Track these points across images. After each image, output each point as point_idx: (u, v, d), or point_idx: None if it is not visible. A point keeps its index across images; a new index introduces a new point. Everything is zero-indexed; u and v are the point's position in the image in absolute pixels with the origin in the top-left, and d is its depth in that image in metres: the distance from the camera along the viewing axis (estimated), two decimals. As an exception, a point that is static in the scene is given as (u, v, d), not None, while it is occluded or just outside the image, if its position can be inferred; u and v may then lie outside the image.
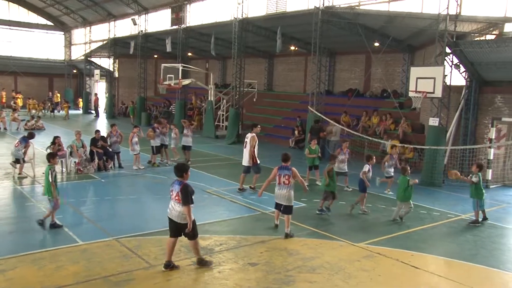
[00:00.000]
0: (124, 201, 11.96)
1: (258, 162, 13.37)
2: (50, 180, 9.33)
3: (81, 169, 15.11)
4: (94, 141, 15.73)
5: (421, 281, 7.52)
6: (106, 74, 39.93)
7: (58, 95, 41.67)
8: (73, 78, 47.89)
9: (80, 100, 43.40)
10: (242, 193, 12.92)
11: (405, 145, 17.24)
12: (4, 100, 40.24)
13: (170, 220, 7.54)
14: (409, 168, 11.07)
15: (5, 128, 27.01)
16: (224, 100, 27.39)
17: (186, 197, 7.29)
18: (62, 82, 47.31)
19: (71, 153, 15.42)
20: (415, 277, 7.65)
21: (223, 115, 27.33)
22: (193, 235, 7.42)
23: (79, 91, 47.86)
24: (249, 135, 13.41)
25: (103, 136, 16.41)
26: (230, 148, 22.51)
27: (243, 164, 13.43)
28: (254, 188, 13.23)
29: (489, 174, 15.26)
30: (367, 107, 22.27)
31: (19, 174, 14.35)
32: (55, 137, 15.64)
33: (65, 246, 8.37)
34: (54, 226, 9.38)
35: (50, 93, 42.79)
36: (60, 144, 15.40)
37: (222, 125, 27.24)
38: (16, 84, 45.84)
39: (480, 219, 10.87)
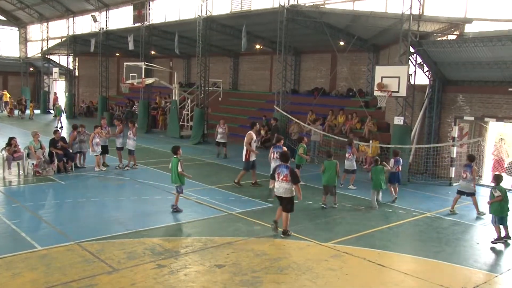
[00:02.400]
0: (85, 203, 11.69)
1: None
2: (180, 170, 10.93)
3: (40, 171, 14.67)
4: (53, 142, 15.32)
5: (387, 279, 7.67)
6: (66, 73, 39.04)
7: (7, 93, 40.18)
8: (30, 77, 46.32)
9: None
10: (239, 188, 13.60)
11: (366, 144, 17.58)
12: None
13: (278, 197, 9.52)
14: (379, 160, 12.61)
15: None
16: (189, 100, 27.17)
17: (296, 177, 9.36)
18: (18, 80, 45.73)
19: (28, 155, 14.94)
20: (382, 275, 7.81)
21: (188, 114, 27.12)
22: (290, 208, 9.44)
23: (36, 90, 46.39)
24: (247, 133, 14.27)
25: (63, 137, 16.01)
26: (195, 148, 22.35)
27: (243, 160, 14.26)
28: (256, 184, 13.95)
29: (452, 172, 15.75)
30: (333, 106, 22.56)
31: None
32: (11, 138, 15.14)
33: (22, 252, 8.09)
34: (176, 210, 10.94)
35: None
36: (16, 145, 14.92)
37: (187, 125, 27.02)
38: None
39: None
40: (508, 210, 9.63)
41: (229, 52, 30.94)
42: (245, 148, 14.06)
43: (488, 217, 11.90)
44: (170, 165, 11.30)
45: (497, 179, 9.66)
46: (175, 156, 11.14)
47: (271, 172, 10.35)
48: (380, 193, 12.49)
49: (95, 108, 37.09)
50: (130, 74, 26.14)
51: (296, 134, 19.58)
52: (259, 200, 12.42)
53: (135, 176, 15.01)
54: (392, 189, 13.09)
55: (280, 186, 9.41)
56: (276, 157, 12.12)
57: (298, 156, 14.21)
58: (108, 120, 30.74)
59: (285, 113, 19.73)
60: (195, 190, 13.20)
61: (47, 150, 15.25)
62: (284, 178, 9.33)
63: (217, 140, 19.38)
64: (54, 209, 11.17)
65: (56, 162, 15.07)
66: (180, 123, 26.69)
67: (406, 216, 11.51)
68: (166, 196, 12.55)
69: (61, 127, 27.73)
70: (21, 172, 14.84)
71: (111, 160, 16.94)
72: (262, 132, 23.14)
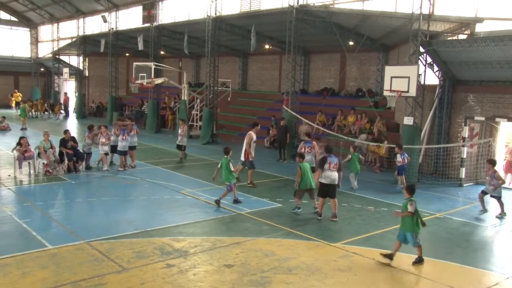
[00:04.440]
0: (95, 203, 11.76)
1: (250, 159, 14.25)
2: (232, 169, 11.65)
3: (50, 170, 14.76)
4: (63, 142, 15.39)
5: (397, 280, 7.62)
6: (76, 73, 39.19)
7: (19, 94, 40.45)
8: (41, 77, 46.62)
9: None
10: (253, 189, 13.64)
11: (380, 144, 17.48)
12: None
13: (326, 185, 10.53)
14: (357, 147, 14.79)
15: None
16: (198, 100, 27.21)
17: (341, 166, 10.85)
18: (28, 80, 46.02)
19: (39, 154, 15.06)
20: (391, 276, 7.76)
21: (197, 114, 27.17)
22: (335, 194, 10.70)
23: (47, 90, 46.71)
24: (247, 133, 14.46)
25: (73, 137, 16.09)
26: (204, 148, 22.37)
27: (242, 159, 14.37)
28: (252, 184, 13.99)
29: (463, 172, 15.61)
30: (343, 106, 22.47)
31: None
32: (21, 138, 15.28)
33: (32, 251, 8.15)
34: (236, 201, 11.74)
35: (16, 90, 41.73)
36: (26, 145, 14.99)
37: (196, 125, 27.07)
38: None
39: None
40: None
41: (238, 52, 30.94)
42: (244, 148, 14.18)
43: (500, 219, 11.80)
44: (219, 165, 11.80)
45: None
46: (225, 156, 11.78)
47: (317, 164, 11.06)
48: (356, 177, 14.19)
49: (104, 108, 37.31)
50: (140, 74, 26.27)
51: (305, 135, 19.54)
52: (268, 200, 12.40)
53: (144, 176, 15.06)
54: (400, 180, 14.36)
55: (332, 174, 10.58)
56: (308, 151, 13.43)
57: (354, 164, 14.24)
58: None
59: (294, 113, 19.69)
60: (204, 190, 13.21)
61: (57, 150, 15.35)
62: (335, 166, 10.61)
63: (177, 143, 18.23)
64: (64, 208, 11.24)
65: (66, 161, 15.16)
66: (189, 123, 26.75)
67: (416, 217, 11.41)
68: (175, 195, 12.58)
69: (25, 129, 27.08)
70: (32, 171, 14.94)
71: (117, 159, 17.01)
72: (271, 132, 23.14)
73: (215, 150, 21.41)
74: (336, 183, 10.72)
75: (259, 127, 14.78)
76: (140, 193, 12.88)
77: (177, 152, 18.60)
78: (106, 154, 16.21)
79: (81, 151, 15.81)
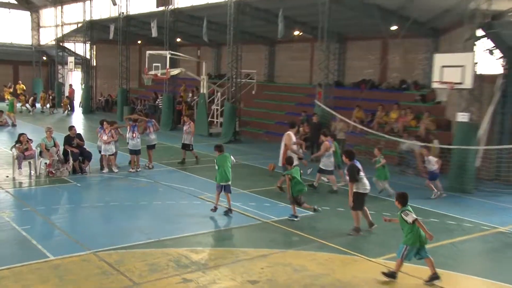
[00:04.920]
0: (103, 208, 11.83)
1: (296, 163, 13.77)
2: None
3: (53, 171, 14.94)
4: (68, 140, 15.56)
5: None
6: (82, 62, 39.74)
7: (22, 86, 40.99)
8: (43, 66, 47.28)
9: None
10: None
11: (428, 145, 17.10)
12: None
13: (364, 194, 10.45)
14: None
15: None
16: (219, 93, 27.25)
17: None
18: (29, 70, 46.44)
19: (40, 153, 15.25)
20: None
21: (217, 110, 27.20)
22: None
23: (50, 81, 47.32)
24: (285, 133, 14.02)
25: (79, 134, 16.28)
26: (226, 148, 22.22)
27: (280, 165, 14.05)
28: (281, 189, 13.69)
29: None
30: (384, 101, 22.18)
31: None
32: (20, 135, 15.46)
33: (33, 262, 8.19)
34: (228, 212, 11.48)
35: (10, 84, 42.28)
36: (26, 142, 15.16)
37: (217, 122, 27.11)
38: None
39: None
40: None
41: (264, 39, 30.86)
42: (282, 151, 13.75)
43: None
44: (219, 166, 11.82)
45: None
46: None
47: (352, 174, 10.41)
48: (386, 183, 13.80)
49: (114, 102, 37.73)
50: (154, 64, 26.42)
51: (341, 133, 19.33)
52: (297, 207, 12.26)
53: (158, 179, 15.12)
54: (433, 186, 13.97)
55: (367, 183, 10.50)
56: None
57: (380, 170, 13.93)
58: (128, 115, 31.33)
59: (328, 109, 19.50)
60: (225, 195, 13.13)
61: (61, 148, 15.52)
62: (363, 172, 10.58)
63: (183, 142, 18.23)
64: (68, 214, 11.33)
65: (71, 161, 15.30)
66: (209, 119, 26.81)
67: (473, 231, 11.06)
68: (193, 201, 12.57)
69: (14, 125, 27.43)
70: (32, 172, 15.14)
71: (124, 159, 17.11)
72: (301, 130, 22.97)
73: (238, 150, 21.39)
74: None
75: (296, 129, 14.58)
76: (154, 198, 12.91)
77: (198, 153, 18.65)
78: (111, 155, 16.07)
79: (87, 150, 15.96)
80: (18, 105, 34.64)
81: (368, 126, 20.18)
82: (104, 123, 16.23)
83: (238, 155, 19.96)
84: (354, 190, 10.24)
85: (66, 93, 40.46)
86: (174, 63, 27.37)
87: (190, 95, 32.29)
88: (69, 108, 37.09)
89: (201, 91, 26.91)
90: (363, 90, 23.08)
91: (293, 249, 9.31)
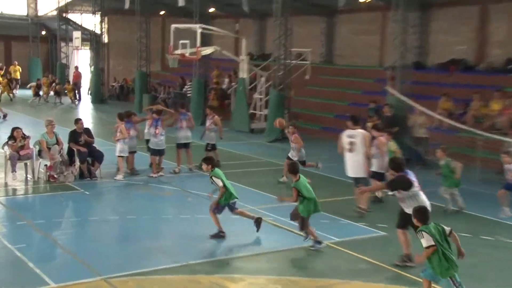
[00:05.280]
0: (117, 223, 11.96)
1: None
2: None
3: (55, 175, 15.19)
4: (74, 136, 15.77)
5: None
6: (91, 38, 40.27)
7: (18, 68, 41.82)
8: (42, 43, 47.79)
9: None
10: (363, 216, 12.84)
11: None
12: None
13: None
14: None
15: None
16: (263, 78, 27.25)
17: None
18: (25, 48, 47.09)
19: (39, 153, 15.52)
20: None
21: (261, 99, 27.20)
22: None
23: (50, 61, 48.00)
24: (357, 133, 13.24)
25: (87, 128, 16.50)
26: (271, 147, 22.40)
27: (351, 175, 13.38)
28: (363, 210, 13.08)
29: None
30: (481, 87, 21.75)
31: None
32: (14, 129, 15.61)
33: (29, 290, 8.34)
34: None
35: (1, 64, 43.15)
36: (21, 139, 15.34)
37: (260, 114, 27.11)
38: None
39: None
40: None
41: (321, 9, 30.69)
42: (363, 156, 13.09)
43: None
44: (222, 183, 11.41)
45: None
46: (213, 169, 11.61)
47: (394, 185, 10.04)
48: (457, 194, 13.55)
49: (130, 89, 38.23)
50: (180, 42, 26.60)
51: (422, 129, 18.98)
52: (366, 226, 12.14)
53: (187, 186, 15.20)
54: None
55: (424, 200, 9.79)
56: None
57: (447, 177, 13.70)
58: (149, 105, 31.76)
59: (404, 98, 19.21)
60: (271, 208, 13.09)
61: (65, 146, 15.76)
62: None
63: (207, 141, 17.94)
64: (74, 230, 11.50)
65: (77, 163, 15.51)
66: (250, 111, 26.81)
67: None
68: (230, 214, 12.52)
69: (5, 115, 28.01)
70: (29, 176, 15.39)
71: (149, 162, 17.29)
72: (369, 124, 22.66)
73: (287, 150, 21.25)
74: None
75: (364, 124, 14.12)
76: (181, 210, 13.03)
77: (236, 154, 18.73)
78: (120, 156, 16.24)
79: (98, 148, 16.17)
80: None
81: (460, 120, 19.74)
82: (133, 116, 16.70)
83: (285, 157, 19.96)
84: (406, 211, 9.68)
85: (71, 78, 40.95)
86: (206, 40, 27.51)
87: (227, 80, 32.45)
88: (75, 97, 37.87)
89: (240, 76, 26.97)
90: (453, 73, 22.64)
91: (359, 280, 9.20)
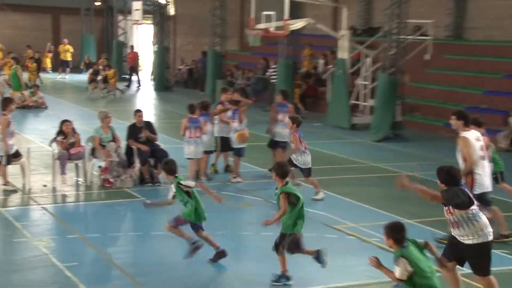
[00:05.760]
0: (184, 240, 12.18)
1: None
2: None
3: (111, 179, 15.61)
4: (133, 131, 16.19)
5: None
6: (154, 11, 41.16)
7: (68, 46, 42.92)
8: (96, 17, 49.06)
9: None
10: None
11: None
12: None
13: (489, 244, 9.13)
14: None
15: None
16: (369, 59, 27.11)
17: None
18: (75, 23, 48.64)
19: (93, 152, 15.99)
20: None
21: (365, 86, 27.08)
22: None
23: (106, 40, 49.43)
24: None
25: (149, 122, 16.93)
26: (378, 148, 22.38)
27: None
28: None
29: None
30: None
31: (4, 184, 15.16)
32: (63, 122, 16.07)
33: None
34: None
35: (49, 44, 44.49)
36: (72, 135, 15.90)
37: (364, 106, 27.00)
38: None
39: None
40: None
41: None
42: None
43: None
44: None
45: None
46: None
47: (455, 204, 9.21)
48: None
49: (200, 73, 38.70)
50: (263, 13, 26.74)
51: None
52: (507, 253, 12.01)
53: (269, 194, 15.33)
54: None
55: (485, 223, 9.21)
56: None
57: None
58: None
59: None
60: (377, 226, 13.05)
61: (123, 144, 16.23)
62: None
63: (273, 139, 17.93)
64: (133, 247, 11.87)
65: (137, 165, 15.96)
66: (351, 101, 26.74)
67: None
68: (325, 232, 12.61)
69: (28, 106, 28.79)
70: (81, 179, 15.92)
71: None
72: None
73: (399, 152, 21.22)
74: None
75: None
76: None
77: (331, 156, 18.75)
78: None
79: (161, 147, 16.55)
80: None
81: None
82: (219, 105, 17.06)
83: (400, 160, 19.89)
84: (483, 241, 9.08)
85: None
86: (296, 11, 27.57)
87: (321, 62, 32.42)
88: (131, 84, 38.75)
89: (339, 56, 26.90)
90: None
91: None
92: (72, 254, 11.03)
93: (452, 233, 9.20)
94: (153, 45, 41.61)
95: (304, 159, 15.15)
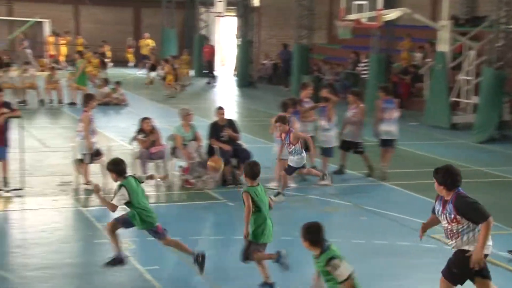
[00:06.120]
0: (268, 246, 12.27)
1: None
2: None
3: (192, 180, 15.93)
4: (215, 130, 16.44)
5: None
6: (238, 2, 41.44)
7: (149, 41, 43.92)
8: (177, 10, 49.72)
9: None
10: None
11: None
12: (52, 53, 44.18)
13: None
14: None
15: (60, 101, 30.08)
16: (472, 52, 26.75)
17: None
18: (156, 16, 49.87)
19: (173, 151, 16.30)
20: None
21: (468, 82, 26.74)
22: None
23: (186, 33, 50.09)
24: None
25: (231, 121, 17.15)
26: (483, 150, 22.20)
27: None
28: None
29: None
30: None
31: (86, 183, 15.62)
32: (143, 120, 16.49)
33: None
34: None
35: (130, 39, 45.64)
36: (152, 132, 16.29)
37: (466, 103, 26.67)
38: (77, 20, 49.97)
39: None
40: None
41: None
42: None
43: None
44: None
45: None
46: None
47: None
48: None
49: (283, 69, 38.92)
50: (354, 3, 26.70)
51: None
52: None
53: (361, 200, 15.47)
54: None
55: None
56: None
57: None
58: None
59: None
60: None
61: (204, 143, 16.52)
62: None
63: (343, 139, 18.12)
64: (214, 251, 12.01)
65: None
66: (452, 98, 26.43)
67: None
68: (421, 241, 12.53)
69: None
70: (161, 180, 16.18)
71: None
72: None
73: (507, 155, 20.89)
74: None
75: None
76: (352, 232, 13.14)
77: (429, 158, 18.65)
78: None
79: (244, 147, 16.75)
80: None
81: None
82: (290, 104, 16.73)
83: (508, 164, 19.73)
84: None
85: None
86: (390, 0, 27.44)
87: (419, 56, 32.17)
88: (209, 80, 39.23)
89: (439, 49, 26.63)
90: None
91: None
92: (153, 257, 11.30)
93: (449, 244, 9.01)
94: (237, 38, 41.96)
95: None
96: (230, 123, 16.85)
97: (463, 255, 8.64)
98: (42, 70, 31.87)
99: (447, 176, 8.65)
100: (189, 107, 17.52)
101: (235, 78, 41.10)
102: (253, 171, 10.55)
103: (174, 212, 14.70)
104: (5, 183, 15.30)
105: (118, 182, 10.31)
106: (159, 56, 41.85)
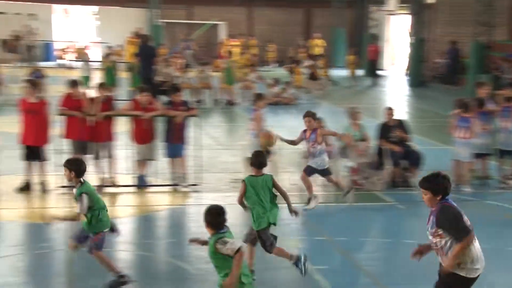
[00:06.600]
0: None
1: None
2: None
3: (360, 181, 16.06)
4: (385, 130, 16.46)
5: None
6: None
7: (318, 41, 44.56)
8: (348, 9, 50.32)
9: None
10: None
11: None
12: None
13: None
14: None
15: (230, 102, 31.00)
16: None
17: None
18: (326, 17, 50.47)
19: (343, 150, 16.45)
20: None
21: None
22: None
23: (356, 32, 50.15)
24: None
25: (402, 121, 17.08)
26: None
27: None
28: None
29: None
30: None
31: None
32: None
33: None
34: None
35: (301, 40, 46.02)
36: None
37: None
38: (250, 21, 51.11)
39: None
40: None
41: None
42: None
43: None
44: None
45: None
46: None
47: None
48: None
49: (461, 67, 38.34)
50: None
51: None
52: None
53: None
54: None
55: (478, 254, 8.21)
56: None
57: None
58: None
59: None
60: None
61: (373, 144, 16.55)
62: None
63: None
64: (382, 254, 12.20)
65: (388, 166, 16.15)
66: None
67: None
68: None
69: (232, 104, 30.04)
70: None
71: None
72: None
73: None
74: None
75: None
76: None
77: None
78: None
79: (415, 149, 16.64)
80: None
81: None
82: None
83: None
84: (459, 273, 8.02)
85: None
86: None
87: None
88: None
89: None
90: None
91: None
92: (321, 257, 11.55)
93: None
94: (410, 36, 41.69)
95: None
96: (400, 124, 16.79)
97: (449, 279, 8.06)
98: (217, 71, 32.88)
99: (437, 182, 8.14)
100: (357, 106, 17.64)
101: (407, 77, 40.87)
102: (258, 161, 10.87)
103: (341, 212, 14.86)
104: (183, 179, 16.17)
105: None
106: (327, 57, 42.02)
